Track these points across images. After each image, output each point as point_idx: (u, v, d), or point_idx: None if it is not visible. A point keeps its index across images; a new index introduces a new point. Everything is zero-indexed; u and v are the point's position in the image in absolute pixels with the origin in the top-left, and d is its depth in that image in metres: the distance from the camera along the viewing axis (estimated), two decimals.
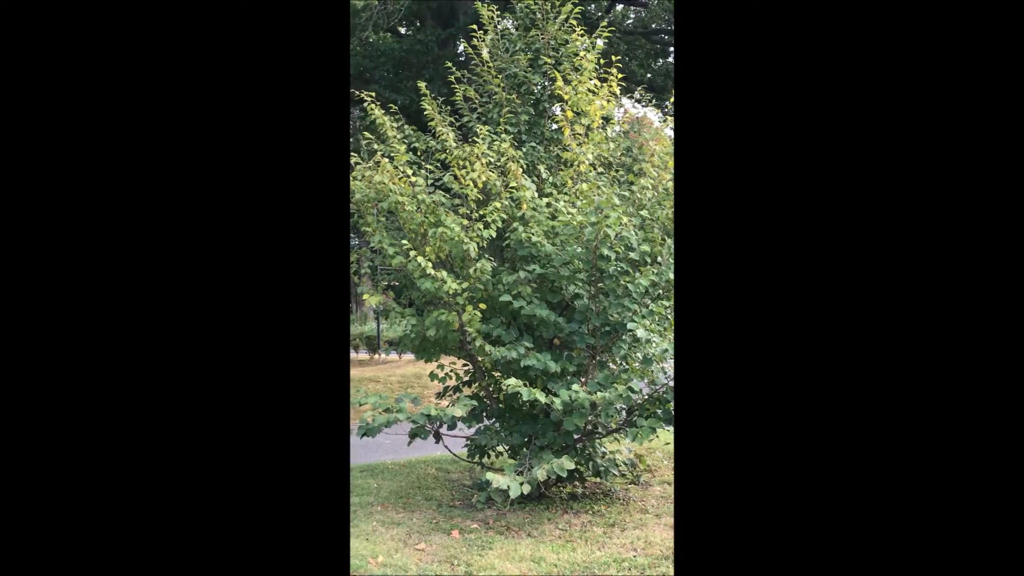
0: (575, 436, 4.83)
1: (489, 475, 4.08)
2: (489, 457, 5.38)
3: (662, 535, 4.28)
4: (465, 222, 4.47)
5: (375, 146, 4.82)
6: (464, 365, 5.37)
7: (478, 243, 4.47)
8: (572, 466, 4.25)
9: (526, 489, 4.13)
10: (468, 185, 4.48)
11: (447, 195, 4.64)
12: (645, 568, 3.70)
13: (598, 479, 5.32)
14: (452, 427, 4.77)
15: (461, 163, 4.50)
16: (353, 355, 14.47)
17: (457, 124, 5.20)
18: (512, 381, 4.16)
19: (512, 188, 4.63)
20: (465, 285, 4.43)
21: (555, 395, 4.32)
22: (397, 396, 4.62)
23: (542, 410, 4.96)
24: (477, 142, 4.64)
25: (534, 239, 4.44)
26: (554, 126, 5.20)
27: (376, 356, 14.08)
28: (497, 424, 5.08)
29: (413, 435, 4.62)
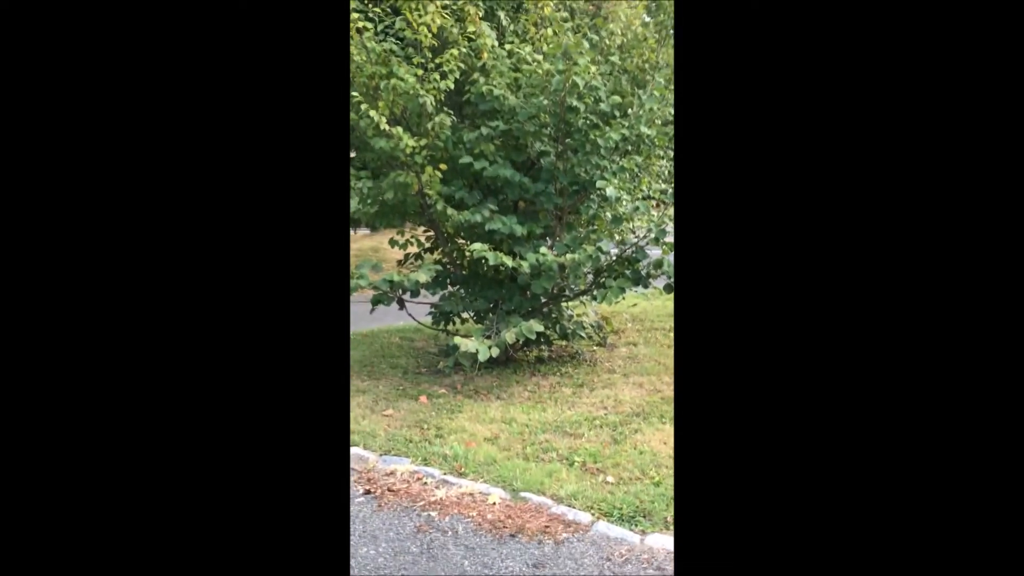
0: (542, 300, 4.73)
1: (457, 340, 3.96)
2: (454, 324, 5.27)
3: (631, 393, 4.29)
4: (420, 72, 4.09)
5: None
6: (425, 231, 5.15)
7: (435, 96, 4.12)
8: (541, 328, 4.16)
9: (495, 352, 4.04)
10: (421, 30, 4.06)
11: (399, 43, 4.22)
12: (616, 425, 3.70)
13: (565, 342, 5.28)
14: (415, 294, 4.61)
15: (413, 6, 4.05)
16: None
17: None
18: (477, 246, 3.96)
19: (470, 35, 4.22)
20: (423, 142, 4.12)
21: (522, 259, 4.15)
22: (356, 264, 4.40)
23: (508, 274, 4.82)
24: None
25: (496, 92, 4.10)
26: None
27: None
28: (462, 290, 4.94)
29: (376, 302, 4.45)
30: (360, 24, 4.00)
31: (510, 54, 4.39)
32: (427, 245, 5.16)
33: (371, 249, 11.03)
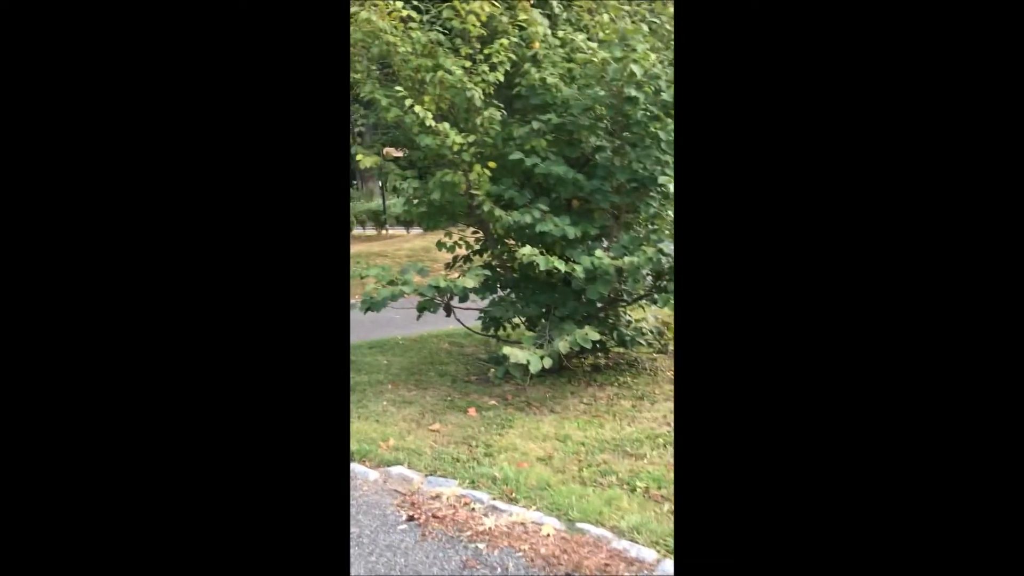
0: (598, 305, 4.43)
1: (506, 349, 3.70)
2: (505, 329, 5.02)
3: None
4: (468, 64, 3.84)
5: None
6: (474, 232, 4.91)
7: (484, 89, 3.86)
8: (597, 337, 3.87)
9: (547, 363, 3.76)
10: (469, 19, 3.81)
11: (447, 33, 3.98)
12: None
13: (623, 349, 4.97)
14: (464, 299, 4.38)
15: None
16: (359, 231, 14.05)
17: None
18: (527, 250, 3.69)
19: (521, 23, 3.95)
20: (471, 139, 3.87)
21: (575, 263, 3.87)
22: (402, 267, 4.19)
23: (561, 278, 4.54)
24: None
25: (549, 81, 3.82)
26: None
27: (383, 232, 13.64)
28: (512, 294, 4.68)
29: (422, 308, 4.22)
30: (404, 13, 3.77)
31: (563, 43, 4.11)
32: (476, 247, 4.92)
33: (423, 249, 10.83)
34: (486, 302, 4.78)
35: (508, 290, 4.71)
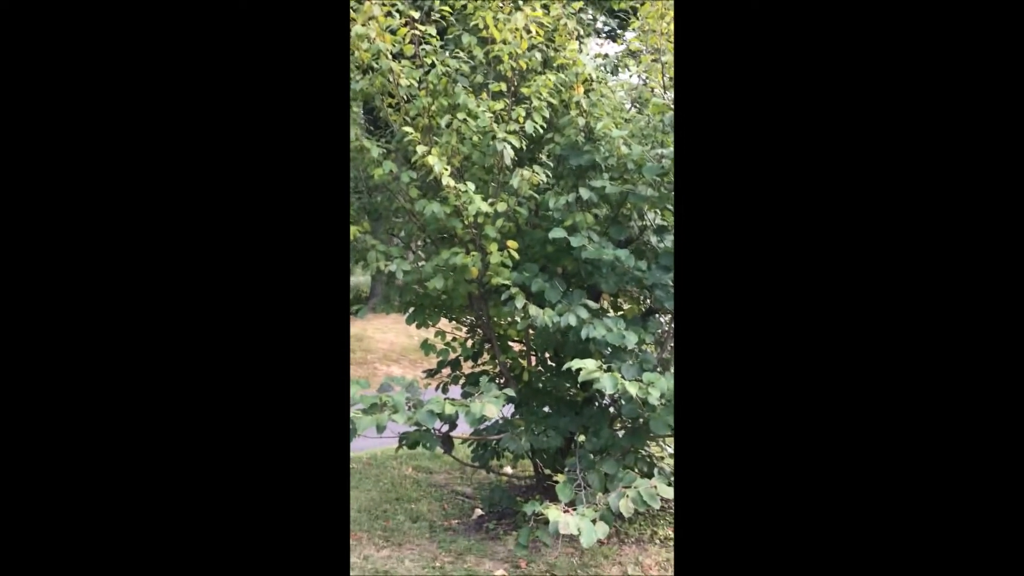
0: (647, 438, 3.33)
1: (552, 514, 2.52)
2: (497, 459, 3.84)
3: None
4: (498, 107, 2.79)
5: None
6: (468, 332, 3.76)
7: (517, 141, 2.81)
8: (670, 494, 2.74)
9: (601, 532, 2.60)
10: (500, 49, 2.78)
11: (469, 63, 2.93)
12: None
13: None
14: (454, 426, 3.18)
15: (493, 15, 2.78)
16: None
17: None
18: (589, 363, 2.56)
19: (564, 61, 2.96)
20: (501, 208, 2.78)
21: (634, 379, 2.78)
22: (383, 382, 2.97)
23: (587, 397, 3.45)
24: None
25: (614, 134, 2.81)
26: None
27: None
28: (518, 415, 3.51)
29: (413, 444, 2.98)
30: (422, 30, 2.71)
31: (603, 93, 3.14)
32: (471, 350, 3.75)
33: (407, 334, 9.05)
34: (483, 425, 3.58)
35: (513, 410, 3.55)
